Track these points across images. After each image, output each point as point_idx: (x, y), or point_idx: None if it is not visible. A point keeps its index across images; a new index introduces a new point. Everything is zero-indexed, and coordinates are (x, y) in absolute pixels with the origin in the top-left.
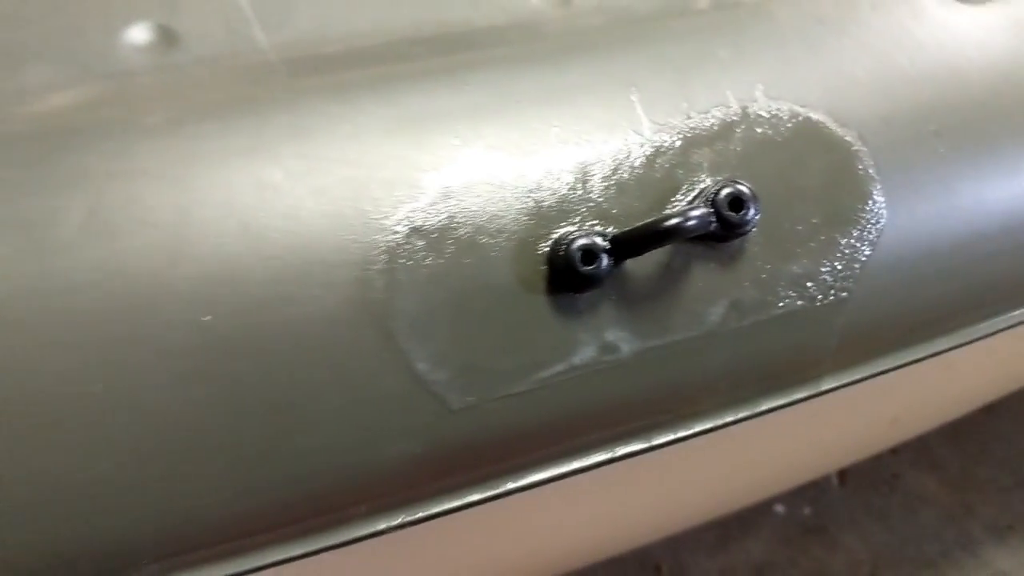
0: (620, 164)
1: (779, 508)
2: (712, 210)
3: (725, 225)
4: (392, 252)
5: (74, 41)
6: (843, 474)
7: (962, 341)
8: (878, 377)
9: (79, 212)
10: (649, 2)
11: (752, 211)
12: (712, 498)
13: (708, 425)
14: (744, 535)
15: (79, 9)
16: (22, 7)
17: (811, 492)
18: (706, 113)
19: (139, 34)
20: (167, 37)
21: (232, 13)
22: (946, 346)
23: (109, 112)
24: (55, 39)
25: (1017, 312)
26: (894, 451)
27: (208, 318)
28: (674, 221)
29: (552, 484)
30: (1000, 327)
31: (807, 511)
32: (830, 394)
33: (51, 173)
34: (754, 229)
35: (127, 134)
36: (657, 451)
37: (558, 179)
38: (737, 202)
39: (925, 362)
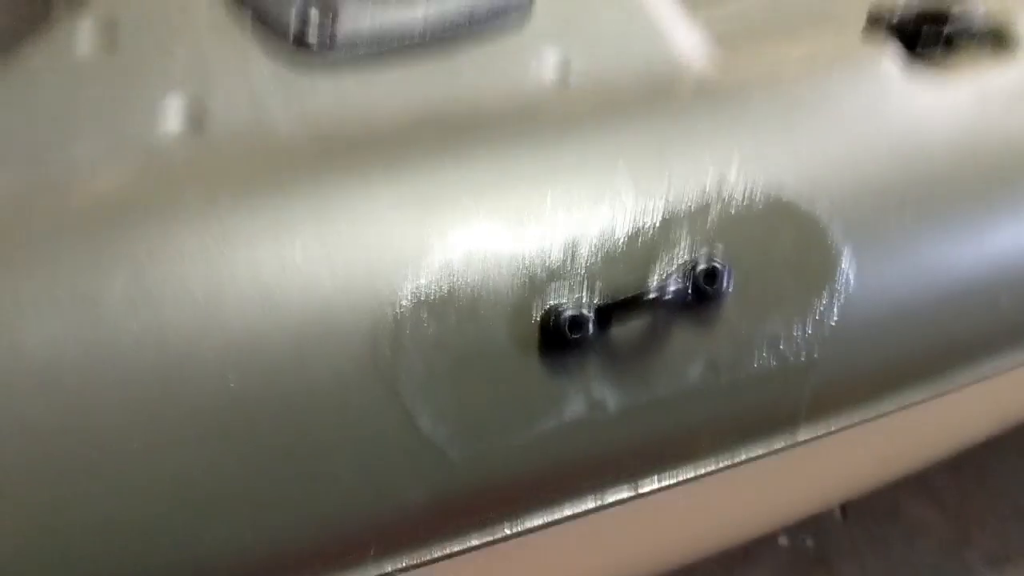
0: (606, 238)
1: (783, 540)
2: (689, 283)
3: (700, 296)
4: (399, 322)
5: (115, 120)
6: (845, 507)
7: (932, 394)
8: (855, 427)
9: (123, 288)
10: (638, 87)
11: (725, 283)
12: (708, 536)
13: (692, 474)
14: (748, 566)
15: (120, 88)
16: (72, 91)
17: (814, 524)
18: (685, 191)
19: (173, 110)
20: (198, 113)
21: (257, 92)
22: (917, 398)
23: (149, 194)
24: (98, 120)
25: (985, 366)
26: (895, 483)
27: (232, 384)
28: (653, 295)
29: (548, 528)
30: (968, 380)
31: (809, 543)
32: (815, 441)
33: (100, 253)
34: (728, 297)
35: (165, 217)
36: (647, 497)
37: (549, 253)
38: (711, 276)
39: (901, 412)
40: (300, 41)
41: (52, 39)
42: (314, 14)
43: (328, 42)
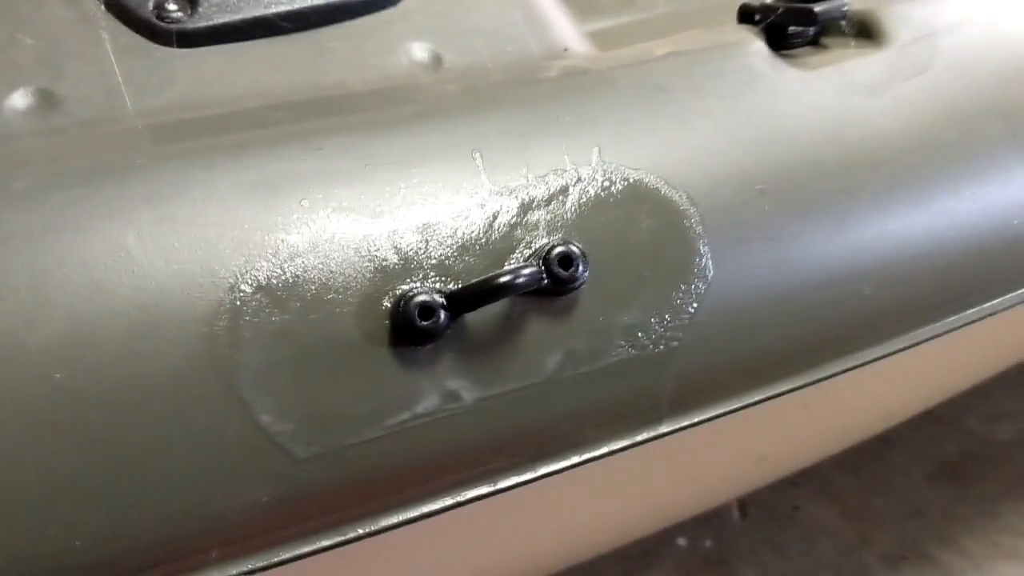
0: (461, 224)
1: (681, 541)
2: (542, 268)
3: (556, 281)
4: (237, 309)
5: None
6: (743, 506)
7: (799, 384)
8: (730, 417)
9: None
10: (507, 70)
11: (581, 268)
12: (583, 537)
13: (552, 468)
14: (647, 567)
15: None
16: None
17: (713, 524)
18: (544, 176)
19: (19, 99)
20: (48, 100)
21: (111, 77)
22: (783, 389)
23: None
24: None
25: (849, 357)
26: (794, 483)
27: (58, 376)
28: (506, 279)
29: (406, 527)
30: (834, 371)
31: (708, 544)
32: (683, 435)
33: None
34: (584, 285)
35: None
36: (509, 492)
37: (402, 239)
38: (566, 260)
39: (774, 402)
40: (158, 30)
41: None
42: (171, 4)
43: (186, 31)
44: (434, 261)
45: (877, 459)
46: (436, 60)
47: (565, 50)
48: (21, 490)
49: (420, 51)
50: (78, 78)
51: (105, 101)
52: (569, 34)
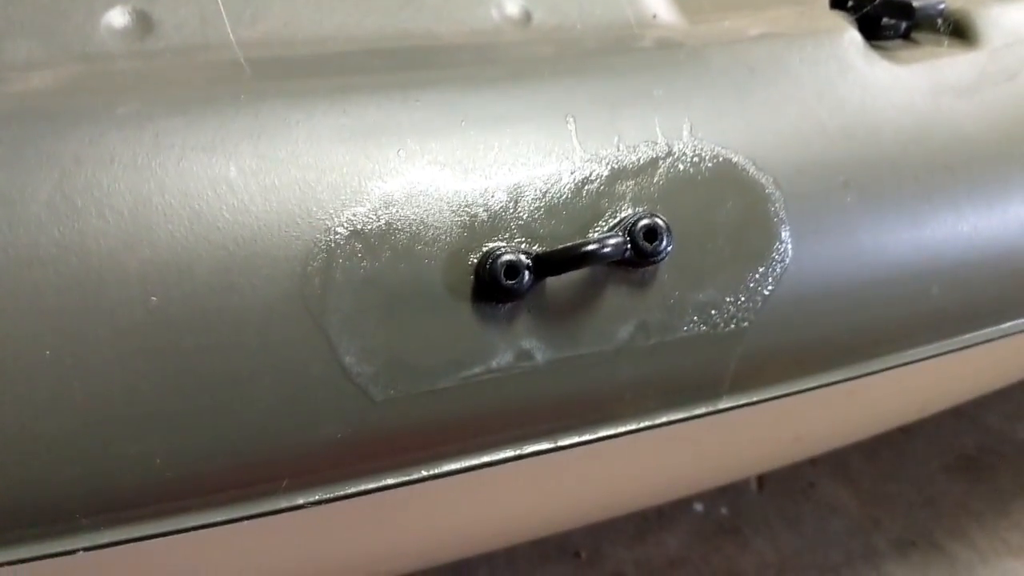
0: (550, 188)
1: (698, 506)
2: (628, 239)
3: (639, 253)
4: (332, 252)
5: (56, 19)
6: (761, 479)
7: (856, 374)
8: (777, 401)
9: (46, 191)
10: (599, 36)
11: (665, 243)
12: (624, 495)
13: (612, 432)
14: (662, 529)
15: None
16: None
17: (730, 494)
18: (634, 147)
19: (118, 17)
20: (144, 23)
21: (207, 4)
22: (842, 378)
23: (83, 99)
24: (38, 16)
25: (909, 352)
26: (812, 461)
27: (154, 299)
28: (592, 247)
29: (464, 474)
30: (892, 365)
31: (724, 511)
32: (730, 412)
33: (25, 153)
34: (666, 259)
35: (99, 122)
36: (567, 450)
37: (492, 197)
38: (652, 233)
39: (824, 389)
40: None
41: None
42: None
43: None
44: (521, 222)
45: (895, 446)
46: (526, 16)
47: (654, 16)
48: (110, 407)
49: (512, 5)
50: (174, 2)
51: (199, 28)
52: (657, 0)
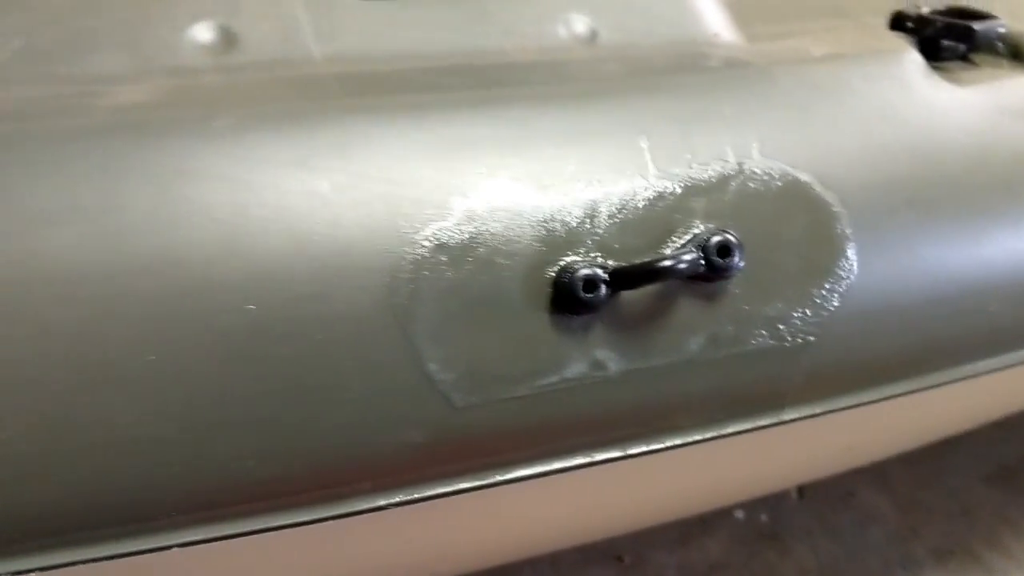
0: (625, 204)
1: (739, 513)
2: (702, 255)
3: (712, 269)
4: (418, 264)
5: (141, 33)
6: (802, 488)
7: (914, 388)
8: (838, 413)
9: (148, 202)
10: (666, 54)
11: (737, 258)
12: (677, 502)
13: (678, 441)
14: (704, 535)
15: (151, 1)
16: None
17: (770, 501)
18: (706, 165)
19: (202, 32)
20: (228, 38)
21: (288, 20)
22: (900, 391)
23: (180, 112)
24: (126, 29)
25: (966, 367)
26: (853, 471)
27: (252, 307)
28: (668, 263)
29: (538, 479)
30: (949, 379)
31: (764, 518)
32: (791, 424)
33: (127, 165)
34: (738, 274)
35: (196, 136)
36: (637, 458)
37: (569, 212)
38: (725, 249)
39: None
40: None
41: None
42: None
43: None
44: (597, 236)
45: (934, 456)
46: (592, 34)
47: (715, 35)
48: (208, 409)
49: (579, 23)
50: (256, 17)
51: (281, 44)
52: (718, 19)
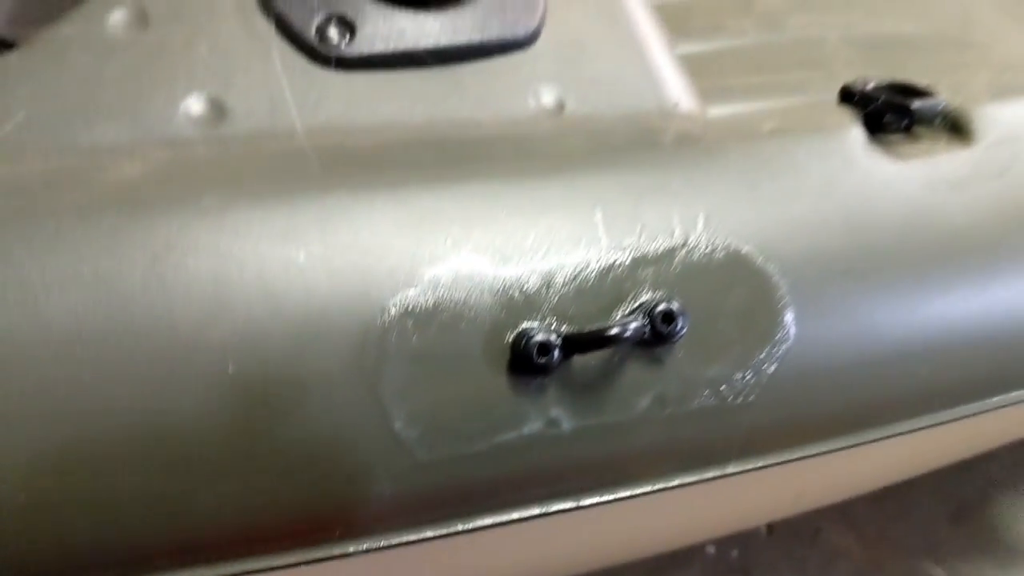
0: (579, 273)
1: (710, 549)
2: (648, 322)
3: (657, 335)
4: (386, 329)
5: (139, 105)
6: (771, 525)
7: (849, 444)
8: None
9: (141, 272)
10: (626, 127)
11: (680, 325)
12: (635, 546)
13: (628, 493)
14: (676, 568)
15: (148, 74)
16: (100, 69)
17: (740, 538)
18: (654, 237)
19: (195, 104)
20: (219, 110)
21: (275, 93)
22: (837, 447)
23: (170, 186)
24: (124, 102)
25: (900, 424)
26: (819, 509)
27: (231, 368)
28: (615, 330)
29: (496, 528)
30: (881, 436)
31: (735, 554)
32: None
33: (123, 238)
34: (681, 339)
35: (186, 212)
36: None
37: (527, 281)
38: (668, 317)
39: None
40: (318, 53)
41: (85, 20)
42: (333, 31)
43: (343, 57)
44: (552, 304)
45: (900, 494)
46: (560, 105)
47: (675, 104)
48: (192, 461)
49: (547, 95)
50: (246, 90)
51: (268, 115)
52: (679, 88)
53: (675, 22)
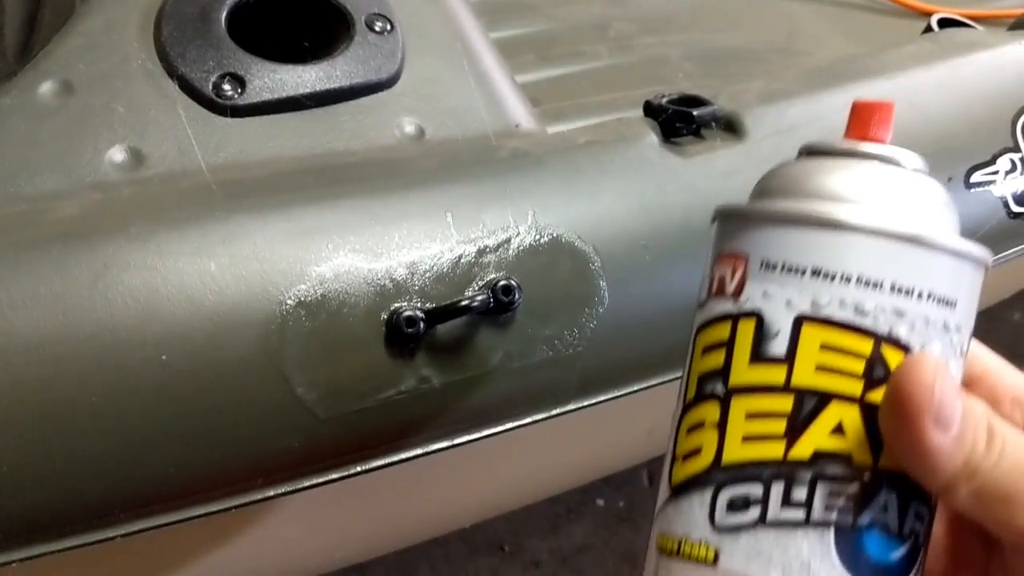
0: (436, 263)
1: (600, 501)
2: (491, 295)
3: (499, 305)
4: (284, 317)
5: (70, 158)
6: (652, 475)
7: (663, 381)
8: (619, 400)
9: (86, 289)
10: (472, 145)
11: (517, 296)
12: (521, 487)
13: (492, 431)
14: (571, 522)
15: (76, 133)
16: (36, 131)
17: (625, 489)
18: (494, 231)
19: (117, 154)
20: (137, 157)
21: (182, 139)
22: (653, 383)
23: (106, 222)
24: (56, 157)
25: None
26: None
27: (164, 357)
28: (465, 303)
29: (392, 468)
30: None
31: (621, 504)
32: (584, 411)
33: (70, 263)
34: (519, 307)
35: (118, 238)
36: (464, 448)
37: (396, 272)
38: (507, 290)
39: (652, 390)
40: (215, 105)
41: (20, 92)
42: (226, 86)
43: (237, 106)
44: (416, 288)
45: None
46: (420, 133)
47: (517, 126)
48: (140, 432)
49: (409, 125)
50: (158, 139)
51: (178, 158)
52: (520, 112)
53: (540, 49)
